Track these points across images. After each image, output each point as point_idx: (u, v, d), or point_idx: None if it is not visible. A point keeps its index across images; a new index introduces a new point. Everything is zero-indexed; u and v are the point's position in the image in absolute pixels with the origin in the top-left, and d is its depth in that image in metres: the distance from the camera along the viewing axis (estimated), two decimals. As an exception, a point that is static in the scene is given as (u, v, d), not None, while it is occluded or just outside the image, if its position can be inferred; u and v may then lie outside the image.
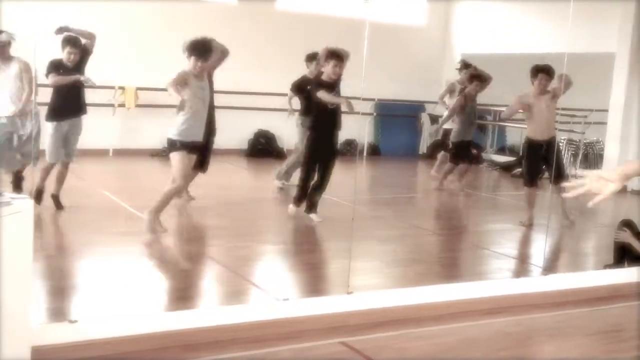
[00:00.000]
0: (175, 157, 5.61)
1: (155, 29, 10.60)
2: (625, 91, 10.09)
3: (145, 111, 10.20)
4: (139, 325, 3.56)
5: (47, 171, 6.36)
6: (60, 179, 6.41)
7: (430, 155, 12.52)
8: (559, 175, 6.49)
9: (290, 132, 11.33)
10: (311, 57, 7.69)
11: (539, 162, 6.91)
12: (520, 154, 11.64)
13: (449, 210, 8.29)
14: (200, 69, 5.61)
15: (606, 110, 10.43)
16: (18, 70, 6.36)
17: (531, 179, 6.94)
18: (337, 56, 6.26)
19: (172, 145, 5.62)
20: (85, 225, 5.91)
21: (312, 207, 6.49)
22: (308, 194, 6.48)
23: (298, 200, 6.53)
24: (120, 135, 10.18)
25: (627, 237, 5.26)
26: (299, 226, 6.62)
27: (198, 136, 5.71)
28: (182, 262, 5.37)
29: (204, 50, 5.62)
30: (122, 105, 10.18)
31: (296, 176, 7.27)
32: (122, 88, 10.14)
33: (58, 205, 6.31)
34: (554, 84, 6.88)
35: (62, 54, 6.28)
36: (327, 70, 6.28)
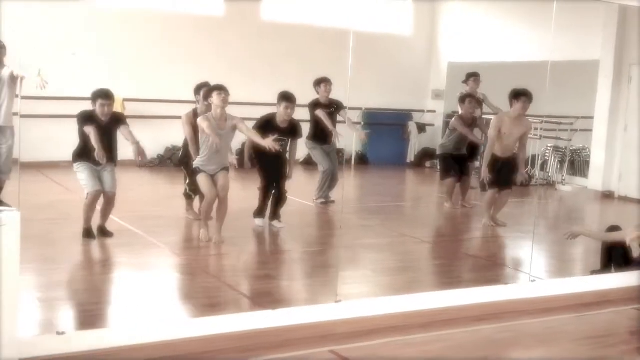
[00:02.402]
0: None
1: (142, 41, 10.60)
2: (610, 98, 10.20)
3: (131, 122, 10.16)
4: (126, 336, 3.55)
5: None
6: None
7: (418, 163, 12.60)
8: (506, 184, 7.30)
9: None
10: (319, 82, 7.96)
11: (497, 174, 7.22)
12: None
13: (437, 218, 8.31)
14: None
15: (592, 118, 10.54)
16: (9, 78, 6.30)
17: (491, 183, 7.28)
18: (288, 99, 6.71)
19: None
20: (74, 237, 5.88)
21: (275, 216, 6.81)
22: (271, 206, 6.81)
23: (259, 214, 6.80)
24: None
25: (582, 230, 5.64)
26: (287, 235, 6.62)
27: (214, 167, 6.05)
28: (172, 273, 5.36)
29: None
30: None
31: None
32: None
33: None
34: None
35: None
36: (280, 111, 6.75)
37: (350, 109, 10.90)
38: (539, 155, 10.85)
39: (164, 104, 10.37)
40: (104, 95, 5.83)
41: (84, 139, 5.85)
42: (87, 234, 5.89)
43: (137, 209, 7.26)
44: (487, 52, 11.88)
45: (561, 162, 10.94)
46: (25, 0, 8.88)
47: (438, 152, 8.77)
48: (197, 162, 6.07)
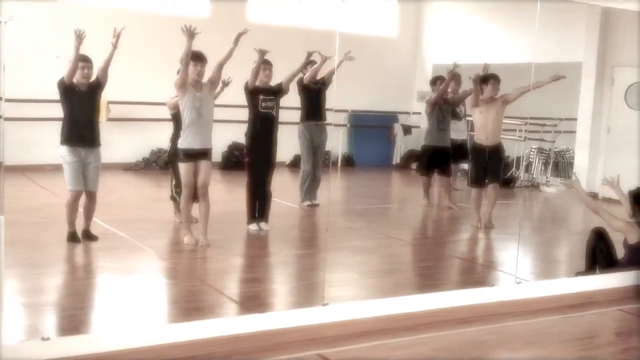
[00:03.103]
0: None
1: (127, 43, 10.53)
2: (592, 100, 10.29)
3: (117, 125, 10.12)
4: (112, 342, 3.51)
5: None
6: None
7: (404, 165, 12.63)
8: (495, 177, 7.20)
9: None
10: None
11: (484, 166, 7.20)
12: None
13: (424, 220, 8.34)
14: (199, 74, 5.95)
15: (575, 119, 10.63)
16: None
17: (476, 181, 7.29)
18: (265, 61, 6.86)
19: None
20: (59, 241, 5.83)
21: (262, 217, 6.79)
22: (258, 207, 6.79)
23: (251, 218, 6.77)
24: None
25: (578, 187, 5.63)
26: (274, 238, 6.60)
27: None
28: (156, 277, 5.32)
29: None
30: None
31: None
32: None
33: None
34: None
35: None
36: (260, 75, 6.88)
37: (337, 110, 10.90)
38: (523, 157, 10.92)
39: (149, 107, 10.31)
40: (82, 59, 5.76)
41: (68, 111, 5.75)
42: (72, 237, 5.83)
43: (122, 212, 7.21)
44: (472, 54, 11.94)
45: (545, 164, 11.02)
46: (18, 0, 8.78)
47: (423, 143, 8.68)
48: (180, 143, 5.91)
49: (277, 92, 6.89)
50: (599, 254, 5.35)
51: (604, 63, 10.20)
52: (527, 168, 11.04)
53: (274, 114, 6.85)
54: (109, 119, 10.12)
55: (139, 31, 10.63)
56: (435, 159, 8.30)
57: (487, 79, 7.14)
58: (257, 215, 6.76)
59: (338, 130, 11.79)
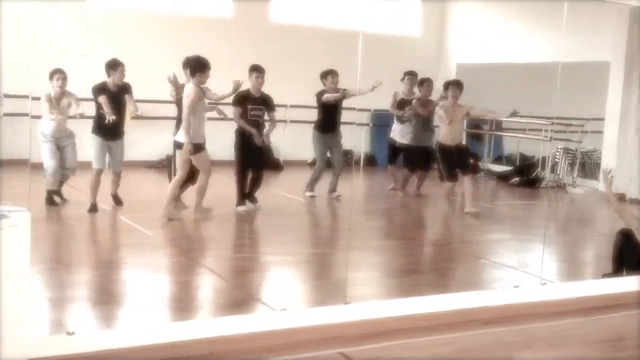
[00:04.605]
0: None
1: (150, 42, 10.62)
2: (621, 100, 10.12)
3: (140, 123, 10.17)
4: (135, 337, 3.54)
5: None
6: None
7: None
8: (467, 169, 8.01)
9: (285, 143, 11.38)
10: (325, 74, 8.29)
11: (452, 163, 7.92)
12: (517, 163, 11.70)
13: (446, 220, 8.28)
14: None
15: (602, 119, 10.46)
16: None
17: (448, 174, 7.98)
18: (257, 69, 7.39)
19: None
20: (85, 237, 5.90)
21: (250, 197, 7.46)
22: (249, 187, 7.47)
23: (241, 200, 7.40)
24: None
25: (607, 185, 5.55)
26: (296, 236, 6.61)
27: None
28: (180, 274, 5.35)
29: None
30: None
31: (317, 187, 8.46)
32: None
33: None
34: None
35: None
36: (252, 82, 7.43)
37: (359, 110, 10.87)
38: (549, 157, 10.78)
39: (173, 105, 10.38)
40: (119, 63, 6.96)
41: (98, 109, 6.84)
42: (92, 208, 6.73)
43: (146, 210, 7.26)
44: (497, 53, 11.83)
45: (571, 164, 10.87)
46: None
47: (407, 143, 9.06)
48: (195, 138, 6.55)
49: (266, 103, 7.47)
50: (626, 256, 5.25)
51: (632, 62, 10.02)
52: (553, 168, 10.90)
53: (261, 122, 7.50)
54: (133, 118, 10.21)
55: (163, 31, 10.75)
56: (416, 157, 8.83)
57: (447, 85, 8.01)
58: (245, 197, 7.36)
59: (360, 130, 11.74)
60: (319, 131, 8.35)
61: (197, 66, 6.49)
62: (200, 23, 10.95)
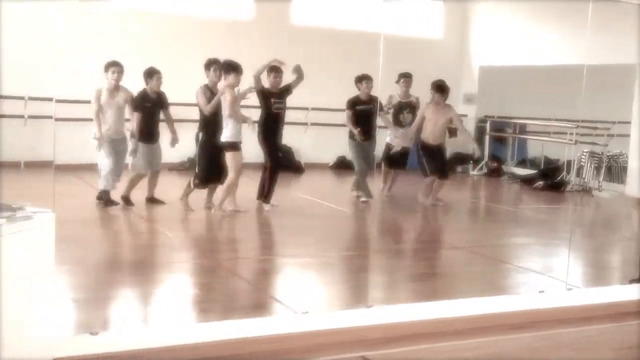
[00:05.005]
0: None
1: (174, 45, 10.70)
2: (647, 103, 9.95)
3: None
4: (159, 338, 3.55)
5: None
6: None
7: (450, 167, 12.42)
8: (443, 173, 8.47)
9: (307, 145, 11.38)
10: (360, 79, 8.27)
11: (434, 160, 8.37)
12: (542, 166, 11.56)
13: (469, 223, 8.20)
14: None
15: (629, 122, 10.30)
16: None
17: (431, 170, 8.36)
18: (275, 69, 7.54)
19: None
20: (109, 238, 5.93)
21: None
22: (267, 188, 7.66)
23: (266, 197, 7.64)
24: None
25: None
26: (318, 240, 6.58)
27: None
28: (202, 275, 5.36)
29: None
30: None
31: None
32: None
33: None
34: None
35: None
36: (270, 81, 7.64)
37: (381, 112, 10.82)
38: (574, 160, 10.64)
39: (195, 107, 10.43)
40: (156, 71, 7.46)
41: (143, 117, 7.26)
42: (125, 201, 7.18)
43: (169, 212, 7.30)
44: (520, 55, 11.71)
45: (597, 168, 10.71)
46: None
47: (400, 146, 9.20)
48: (231, 137, 6.91)
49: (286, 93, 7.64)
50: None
51: (659, 65, 9.86)
52: (579, 172, 10.76)
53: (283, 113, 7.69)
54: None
55: (185, 34, 10.82)
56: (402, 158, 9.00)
57: (432, 86, 8.45)
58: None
59: (384, 132, 11.68)
60: (352, 139, 8.36)
61: (231, 68, 6.84)
62: (222, 25, 11.00)
